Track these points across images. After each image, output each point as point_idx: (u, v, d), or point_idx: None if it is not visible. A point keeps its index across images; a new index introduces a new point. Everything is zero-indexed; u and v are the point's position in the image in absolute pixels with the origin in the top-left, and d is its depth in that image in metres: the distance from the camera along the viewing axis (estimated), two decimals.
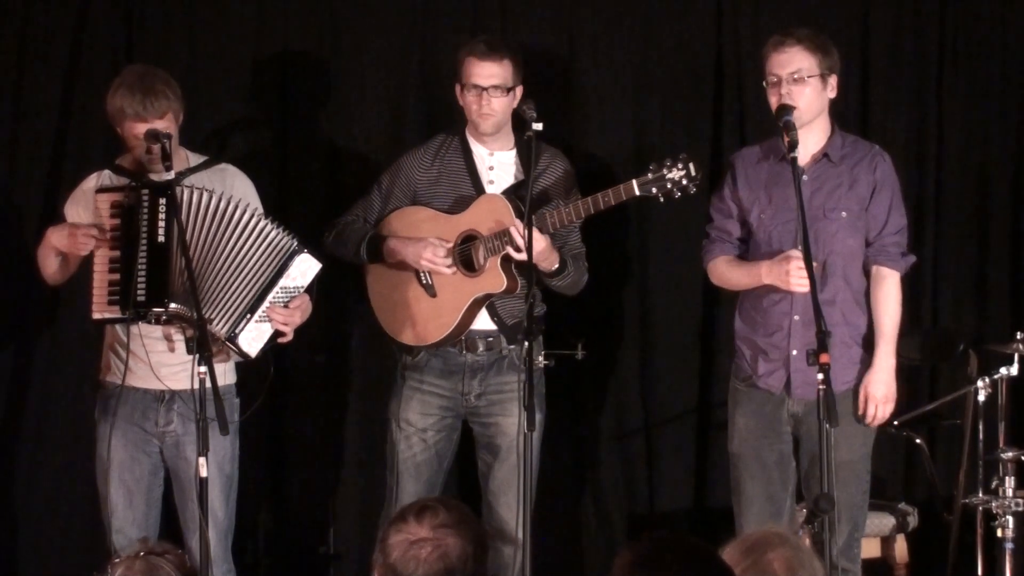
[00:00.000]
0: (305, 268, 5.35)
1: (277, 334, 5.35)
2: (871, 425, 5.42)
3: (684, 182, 5.34)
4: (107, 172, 5.41)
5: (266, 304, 5.31)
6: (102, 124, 5.46)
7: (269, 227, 5.32)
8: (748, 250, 5.52)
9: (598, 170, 5.89)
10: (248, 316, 5.29)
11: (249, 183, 5.50)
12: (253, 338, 5.31)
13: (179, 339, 5.32)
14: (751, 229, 5.48)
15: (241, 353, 5.31)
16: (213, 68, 6.19)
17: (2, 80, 6.15)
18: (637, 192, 5.36)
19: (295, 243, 5.34)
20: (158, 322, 5.26)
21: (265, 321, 5.32)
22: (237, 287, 5.28)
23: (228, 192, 5.33)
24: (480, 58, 5.55)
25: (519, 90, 5.59)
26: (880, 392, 5.39)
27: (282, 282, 5.32)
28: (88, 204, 5.35)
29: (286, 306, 5.33)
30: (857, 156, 5.45)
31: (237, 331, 5.28)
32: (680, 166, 5.33)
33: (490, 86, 5.54)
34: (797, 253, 5.24)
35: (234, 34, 6.22)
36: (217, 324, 5.26)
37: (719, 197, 5.57)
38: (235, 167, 5.53)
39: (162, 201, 5.21)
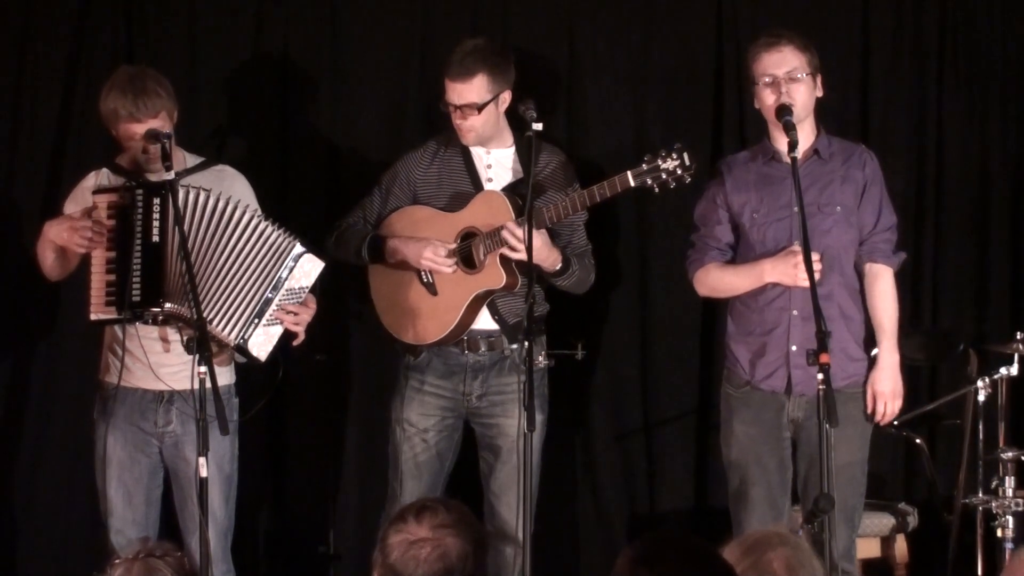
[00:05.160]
0: (309, 268, 5.35)
1: (287, 335, 5.36)
2: (882, 423, 5.41)
3: (679, 172, 5.34)
4: (105, 170, 5.41)
5: (274, 307, 5.31)
6: (102, 124, 5.46)
7: (269, 228, 5.32)
8: (735, 257, 5.51)
9: (598, 171, 5.88)
10: (256, 321, 5.29)
11: (247, 184, 5.50)
12: (262, 343, 5.32)
13: (175, 339, 5.32)
14: (743, 231, 5.47)
15: (252, 359, 5.31)
16: (213, 68, 6.20)
17: (2, 80, 6.15)
18: (632, 183, 5.36)
19: (297, 244, 5.33)
20: (155, 322, 5.26)
21: (274, 324, 5.32)
22: (241, 291, 5.28)
23: (226, 193, 5.33)
24: (451, 79, 5.54)
25: (505, 95, 5.56)
26: (888, 388, 5.39)
27: (288, 284, 5.32)
28: (86, 203, 5.34)
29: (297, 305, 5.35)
30: (846, 153, 5.48)
31: (247, 337, 5.28)
32: (675, 156, 5.34)
33: (463, 105, 5.54)
34: (800, 248, 5.24)
35: (234, 34, 6.23)
36: (225, 330, 5.26)
37: (706, 205, 5.55)
38: (233, 168, 5.53)
39: (156, 201, 5.20)
